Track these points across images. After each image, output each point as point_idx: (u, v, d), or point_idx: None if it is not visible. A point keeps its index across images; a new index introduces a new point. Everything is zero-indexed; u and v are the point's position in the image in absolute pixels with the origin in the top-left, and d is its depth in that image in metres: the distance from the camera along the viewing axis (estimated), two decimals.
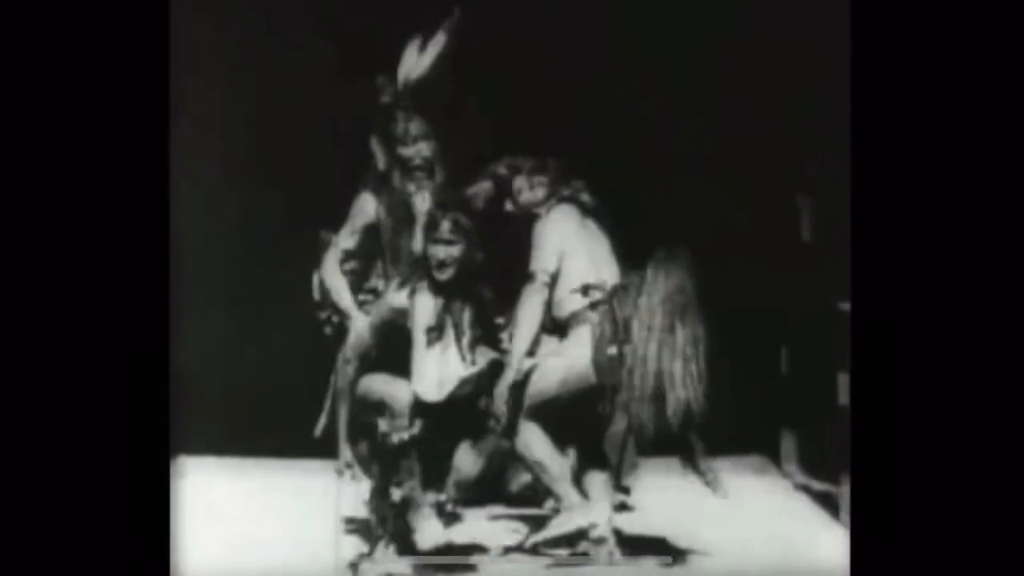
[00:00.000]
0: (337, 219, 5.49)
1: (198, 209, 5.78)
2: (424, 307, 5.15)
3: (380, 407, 5.13)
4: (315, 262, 5.48)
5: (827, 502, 5.69)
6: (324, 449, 5.40)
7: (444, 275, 5.13)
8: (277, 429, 5.87)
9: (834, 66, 4.73)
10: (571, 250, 5.22)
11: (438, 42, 5.36)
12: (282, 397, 5.90)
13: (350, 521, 5.27)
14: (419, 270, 5.19)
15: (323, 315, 5.41)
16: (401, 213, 5.35)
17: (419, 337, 5.13)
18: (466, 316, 5.18)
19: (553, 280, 5.19)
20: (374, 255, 5.42)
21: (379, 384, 5.17)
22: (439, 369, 5.11)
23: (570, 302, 5.20)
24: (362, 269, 5.42)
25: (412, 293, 5.17)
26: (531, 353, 5.18)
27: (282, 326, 5.92)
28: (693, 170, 6.35)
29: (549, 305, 5.19)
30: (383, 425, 5.09)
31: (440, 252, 5.12)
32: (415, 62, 5.36)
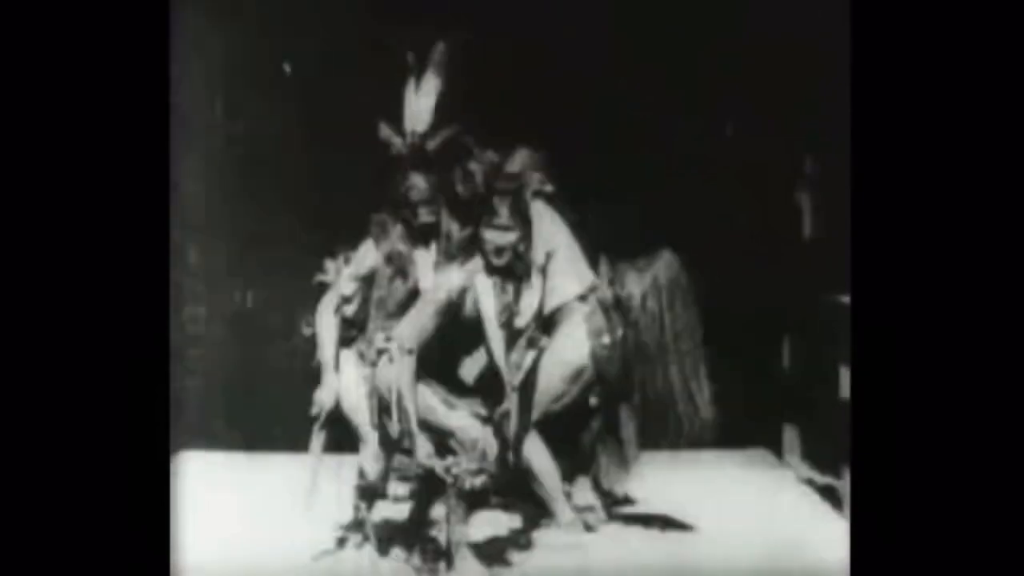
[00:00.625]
0: (336, 229, 5.47)
1: (199, 206, 5.81)
2: (487, 289, 5.11)
3: (446, 435, 5.05)
4: (316, 263, 5.44)
5: (830, 495, 5.70)
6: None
7: (501, 261, 5.08)
8: (277, 425, 5.88)
9: (834, 66, 4.74)
10: (555, 244, 5.24)
11: (432, 84, 5.24)
12: (282, 393, 5.92)
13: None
14: (471, 251, 5.12)
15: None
16: (398, 267, 5.24)
17: (492, 318, 5.09)
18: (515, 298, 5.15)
19: (543, 275, 5.20)
20: (368, 304, 5.30)
21: (453, 420, 5.05)
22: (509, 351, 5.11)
23: (558, 296, 5.22)
24: (360, 317, 5.29)
25: (471, 273, 5.09)
26: (530, 346, 5.21)
27: (284, 322, 5.92)
28: (693, 168, 6.37)
29: (540, 300, 5.21)
30: (457, 465, 4.99)
31: (499, 238, 5.07)
32: (416, 108, 5.25)
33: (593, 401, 5.63)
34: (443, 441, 5.02)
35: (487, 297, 5.11)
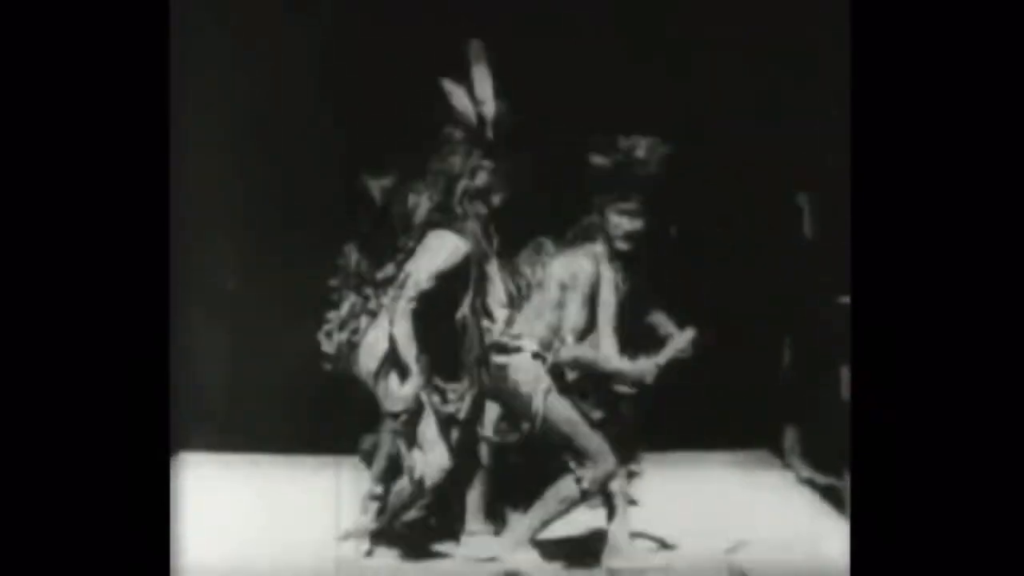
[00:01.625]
0: (340, 216, 5.44)
1: (200, 204, 5.81)
2: (608, 279, 5.05)
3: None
4: (319, 260, 5.41)
5: (831, 495, 5.69)
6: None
7: (626, 246, 5.03)
8: (278, 426, 5.89)
9: (834, 65, 4.74)
10: None
11: (483, 75, 5.22)
12: (283, 394, 5.93)
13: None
14: (593, 235, 5.07)
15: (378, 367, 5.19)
16: (478, 249, 5.19)
17: (609, 303, 5.05)
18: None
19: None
20: (454, 292, 5.17)
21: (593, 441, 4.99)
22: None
23: None
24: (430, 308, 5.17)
25: (594, 258, 5.03)
26: None
27: (284, 323, 5.92)
28: (694, 165, 6.36)
29: None
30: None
31: (625, 223, 5.01)
32: (472, 102, 5.22)
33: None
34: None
35: (608, 285, 5.03)
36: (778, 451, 6.37)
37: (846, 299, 4.47)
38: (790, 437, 6.33)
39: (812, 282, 5.99)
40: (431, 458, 5.01)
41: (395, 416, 5.04)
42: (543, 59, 6.00)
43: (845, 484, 5.45)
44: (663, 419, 5.69)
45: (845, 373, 5.35)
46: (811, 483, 5.98)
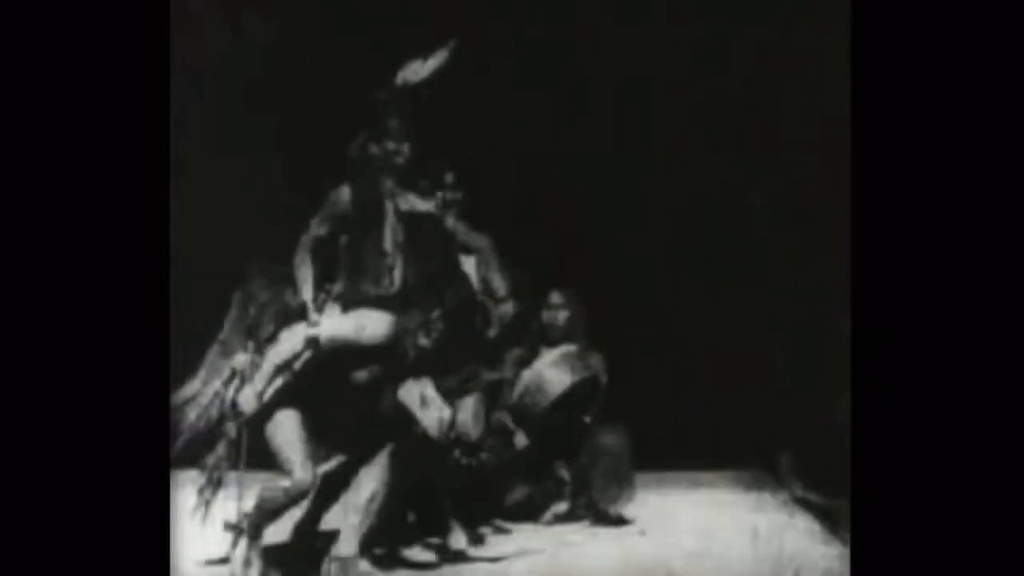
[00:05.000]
0: None
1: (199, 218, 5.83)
2: None
3: None
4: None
5: (826, 517, 5.69)
6: None
7: None
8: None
9: (834, 78, 4.77)
10: None
11: (439, 57, 5.20)
12: None
13: None
14: None
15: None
16: (371, 213, 5.11)
17: None
18: None
19: None
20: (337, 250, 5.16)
21: None
22: None
23: None
24: (329, 261, 5.16)
25: None
26: None
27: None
28: (696, 185, 6.41)
29: None
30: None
31: None
32: (415, 69, 5.26)
33: (587, 419, 5.65)
34: None
35: None
36: (774, 472, 6.40)
37: (845, 322, 4.48)
38: (786, 458, 6.35)
39: (810, 304, 6.01)
40: None
41: None
42: (529, 59, 6.05)
43: (841, 506, 5.45)
44: (661, 439, 5.77)
45: (844, 395, 5.36)
46: (806, 504, 5.98)
